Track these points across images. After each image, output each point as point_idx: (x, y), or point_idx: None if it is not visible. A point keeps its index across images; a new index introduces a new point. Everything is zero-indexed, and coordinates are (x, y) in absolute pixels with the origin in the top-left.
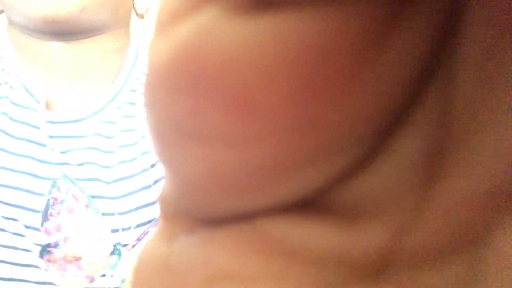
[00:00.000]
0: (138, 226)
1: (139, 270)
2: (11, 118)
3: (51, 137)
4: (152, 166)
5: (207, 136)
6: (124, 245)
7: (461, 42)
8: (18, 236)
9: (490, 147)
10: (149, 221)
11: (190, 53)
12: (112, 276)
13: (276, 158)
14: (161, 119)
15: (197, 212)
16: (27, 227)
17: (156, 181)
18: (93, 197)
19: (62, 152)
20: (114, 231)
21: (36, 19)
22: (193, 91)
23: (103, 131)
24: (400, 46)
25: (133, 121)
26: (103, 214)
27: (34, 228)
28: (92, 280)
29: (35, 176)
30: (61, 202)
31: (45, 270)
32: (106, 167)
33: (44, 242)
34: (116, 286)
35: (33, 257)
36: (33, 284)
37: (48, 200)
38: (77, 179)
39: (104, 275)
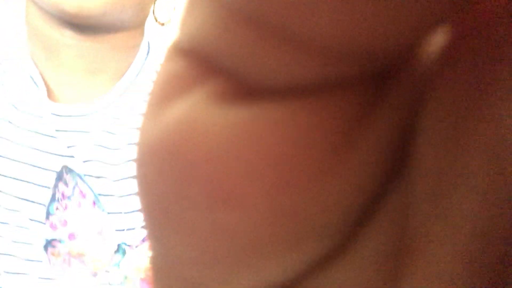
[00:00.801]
0: (143, 226)
1: None
2: (18, 109)
3: (57, 130)
4: None
5: (191, 219)
6: (129, 245)
7: (418, 148)
8: (22, 229)
9: (444, 259)
10: None
11: (177, 137)
12: (115, 272)
13: (254, 245)
14: (148, 196)
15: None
16: (31, 219)
17: None
18: (99, 194)
19: (69, 147)
20: (119, 230)
21: (55, 12)
22: (179, 174)
23: (110, 128)
24: (370, 141)
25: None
26: (109, 213)
27: (39, 222)
28: (94, 275)
29: (40, 167)
30: (69, 197)
31: (48, 264)
32: (113, 164)
33: (49, 236)
34: (119, 282)
35: (37, 250)
36: (36, 278)
37: (54, 193)
38: (85, 175)
39: (107, 271)
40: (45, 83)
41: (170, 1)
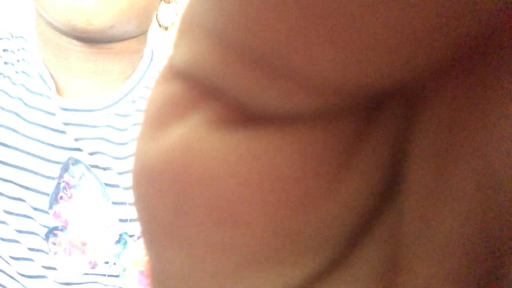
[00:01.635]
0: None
1: None
2: (26, 104)
3: (65, 124)
4: None
5: (189, 237)
6: (131, 236)
7: (409, 172)
8: (25, 218)
9: (434, 279)
10: None
11: (175, 160)
12: (114, 264)
13: (252, 261)
14: (147, 216)
15: None
16: (35, 209)
17: None
18: (106, 184)
19: (76, 140)
20: (122, 220)
21: (65, 28)
22: (178, 195)
23: (115, 124)
24: (363, 164)
25: None
26: (113, 203)
27: (42, 211)
28: (94, 266)
29: (46, 159)
30: (74, 187)
31: (49, 253)
32: (119, 158)
33: (52, 224)
34: (117, 274)
35: (39, 239)
36: (39, 267)
37: (59, 183)
38: (92, 166)
39: (107, 262)
40: (54, 81)
41: (172, 6)
